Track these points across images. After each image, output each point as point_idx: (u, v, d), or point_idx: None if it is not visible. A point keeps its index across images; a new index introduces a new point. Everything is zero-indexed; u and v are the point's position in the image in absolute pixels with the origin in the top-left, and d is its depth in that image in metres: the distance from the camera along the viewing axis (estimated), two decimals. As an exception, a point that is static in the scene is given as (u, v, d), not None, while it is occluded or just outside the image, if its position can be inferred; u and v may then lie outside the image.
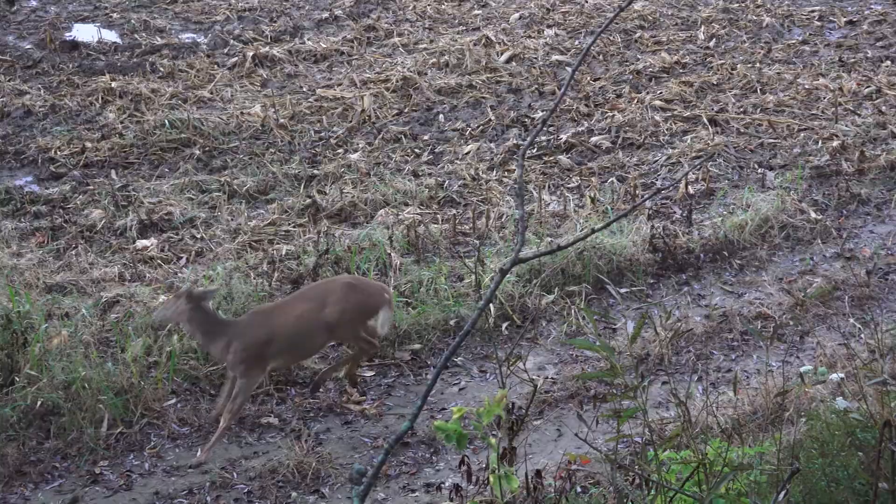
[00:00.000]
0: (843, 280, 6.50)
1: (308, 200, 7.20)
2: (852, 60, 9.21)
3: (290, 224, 6.94)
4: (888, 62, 9.09)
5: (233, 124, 8.24)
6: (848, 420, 3.64)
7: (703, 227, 7.00)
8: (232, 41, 9.92)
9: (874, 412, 3.58)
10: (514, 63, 9.50)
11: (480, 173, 7.65)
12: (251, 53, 9.48)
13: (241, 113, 8.39)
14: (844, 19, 9.95)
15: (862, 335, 5.93)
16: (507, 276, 6.02)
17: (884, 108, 8.32)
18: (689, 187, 7.37)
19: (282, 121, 8.27)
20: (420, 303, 6.14)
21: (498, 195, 7.40)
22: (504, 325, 6.00)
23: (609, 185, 7.47)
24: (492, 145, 8.09)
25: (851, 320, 6.09)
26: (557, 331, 6.23)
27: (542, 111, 8.43)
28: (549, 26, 10.20)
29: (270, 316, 5.35)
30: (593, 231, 3.59)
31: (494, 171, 7.72)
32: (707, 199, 7.40)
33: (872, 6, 10.10)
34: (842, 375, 4.54)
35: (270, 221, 6.95)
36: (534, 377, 4.95)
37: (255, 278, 6.19)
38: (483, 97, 8.86)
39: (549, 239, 6.74)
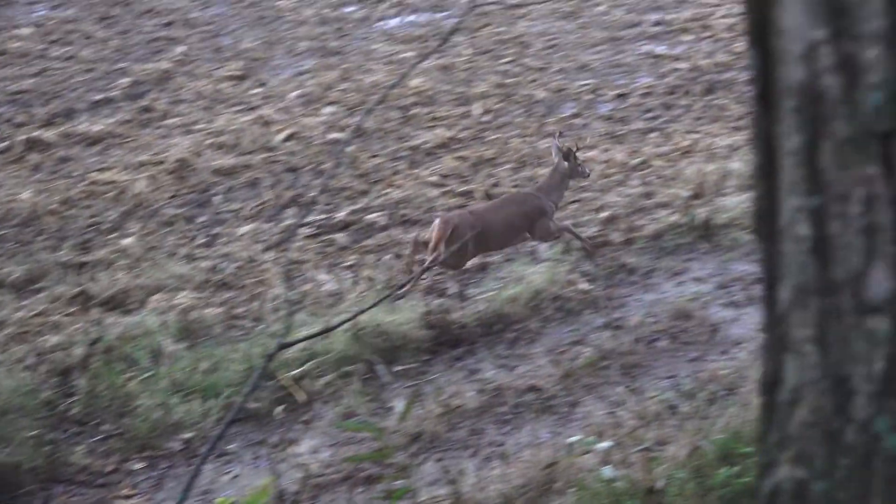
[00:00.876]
0: (612, 349, 6.98)
1: (78, 289, 7.35)
2: (621, 132, 9.83)
3: (59, 314, 7.09)
4: (655, 133, 9.77)
5: (0, 212, 8.40)
6: (613, 489, 4.07)
7: (478, 301, 7.42)
8: (2, 125, 10.04)
9: (639, 479, 4.04)
10: (292, 142, 9.81)
11: (256, 255, 7.95)
12: (22, 138, 9.58)
13: (10, 200, 8.52)
14: (614, 92, 10.54)
15: (629, 403, 6.49)
16: (281, 358, 6.41)
17: (651, 179, 8.92)
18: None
19: (52, 206, 8.40)
20: (194, 389, 6.37)
21: (274, 277, 7.66)
22: (279, 409, 6.26)
23: (385, 262, 7.91)
24: (269, 226, 8.39)
25: (619, 388, 6.58)
26: (333, 412, 6.51)
27: (320, 190, 8.80)
28: (327, 104, 10.54)
29: None
30: (360, 312, 4.01)
31: (270, 252, 8.02)
32: (481, 274, 7.84)
33: (640, 79, 10.79)
34: (609, 444, 4.87)
35: (38, 312, 7.18)
36: (308, 461, 5.29)
37: (21, 372, 6.31)
38: (260, 177, 9.16)
39: (326, 319, 7.09)
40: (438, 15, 11.96)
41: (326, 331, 4.08)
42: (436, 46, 4.54)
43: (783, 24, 1.02)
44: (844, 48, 0.97)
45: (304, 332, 6.28)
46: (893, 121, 0.96)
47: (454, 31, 5.95)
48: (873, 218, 0.98)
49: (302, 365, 6.70)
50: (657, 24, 11.70)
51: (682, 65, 10.86)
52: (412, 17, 12.12)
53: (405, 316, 7.15)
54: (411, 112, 10.20)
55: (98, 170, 9.27)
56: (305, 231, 8.29)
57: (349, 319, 6.38)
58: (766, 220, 1.09)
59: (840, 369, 1.04)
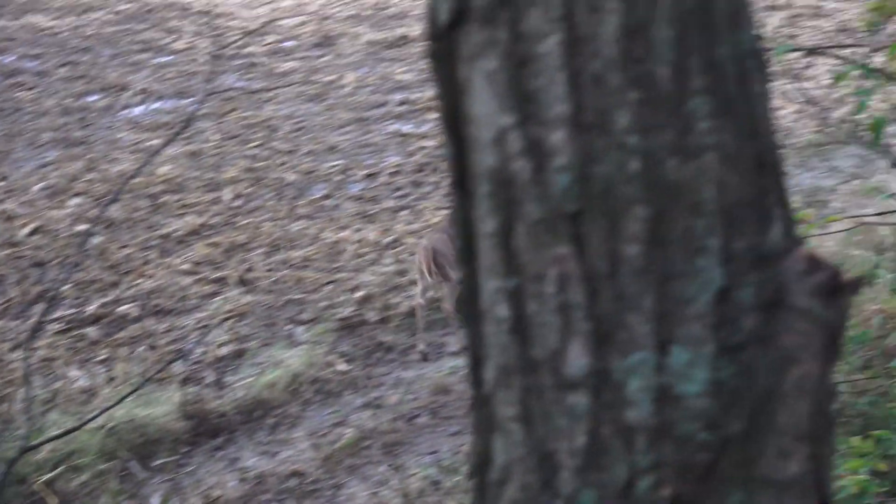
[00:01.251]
0: (373, 428, 7.05)
1: None
2: (372, 212, 9.89)
3: None
4: (406, 211, 9.87)
5: None
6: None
7: (236, 388, 7.32)
8: None
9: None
10: (37, 235, 9.52)
11: (3, 354, 7.69)
12: None
13: None
14: (363, 172, 10.63)
15: (392, 481, 6.53)
16: (32, 460, 6.18)
17: (403, 257, 9.07)
18: (220, 349, 7.80)
19: None
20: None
21: (23, 376, 7.46)
22: (31, 514, 5.93)
23: (139, 354, 7.76)
24: (16, 324, 8.10)
25: (382, 468, 6.64)
26: (90, 513, 6.34)
27: (61, 283, 8.57)
28: (73, 196, 10.29)
29: None
30: (110, 407, 3.90)
31: (19, 351, 7.77)
32: (238, 360, 7.77)
33: (388, 158, 10.91)
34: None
35: None
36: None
37: None
38: (4, 273, 8.84)
39: (78, 416, 6.89)
40: (184, 101, 11.89)
41: (72, 430, 3.96)
42: (174, 134, 4.48)
43: (473, 112, 1.04)
44: (532, 133, 1.00)
45: (54, 432, 6.13)
46: (581, 201, 0.99)
47: (191, 119, 5.90)
48: (567, 297, 1.01)
49: (55, 467, 6.50)
50: (402, 103, 11.92)
51: (429, 143, 11.06)
52: (157, 105, 12.01)
53: (162, 408, 6.99)
54: (160, 200, 10.06)
55: None
56: (55, 327, 8.02)
57: (98, 415, 6.21)
58: (469, 302, 1.11)
59: (545, 446, 1.06)
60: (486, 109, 1.05)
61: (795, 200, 8.55)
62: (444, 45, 1.09)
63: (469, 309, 1.13)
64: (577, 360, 1.05)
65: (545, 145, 1.03)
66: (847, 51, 7.09)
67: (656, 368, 1.04)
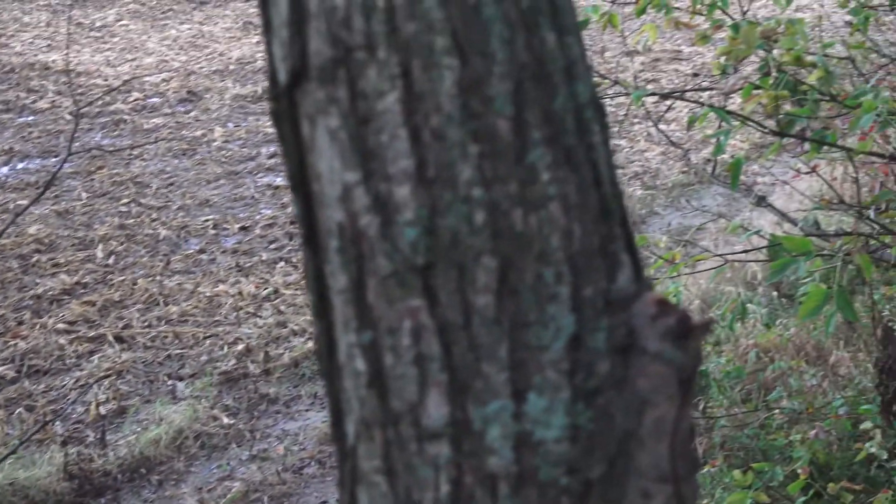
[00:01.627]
0: (260, 481, 7.01)
1: None
2: (249, 264, 9.87)
3: None
4: (282, 263, 9.87)
5: None
6: None
7: (119, 447, 7.23)
8: None
9: None
10: None
11: None
12: None
13: None
14: (238, 225, 10.61)
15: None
16: None
17: (282, 308, 9.08)
18: (101, 408, 7.68)
19: None
20: None
21: None
22: None
23: (17, 416, 7.59)
24: None
25: None
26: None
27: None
28: None
29: None
30: None
31: None
32: (120, 418, 7.68)
33: (262, 211, 10.94)
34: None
35: None
36: None
37: None
38: None
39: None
40: (51, 160, 11.72)
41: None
42: (39, 193, 4.44)
43: (319, 169, 1.05)
44: (377, 189, 1.01)
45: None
46: (430, 254, 1.00)
47: (55, 177, 5.82)
48: (423, 349, 1.02)
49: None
50: (272, 156, 11.95)
51: (302, 194, 11.08)
52: (22, 165, 11.82)
53: (44, 470, 6.88)
54: (32, 260, 9.91)
55: None
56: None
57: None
58: (326, 358, 1.11)
59: (409, 497, 1.06)
60: (331, 166, 1.06)
61: (665, 240, 8.73)
62: (285, 105, 1.10)
63: (326, 364, 1.13)
64: (437, 410, 1.05)
65: (391, 200, 1.03)
66: (705, 94, 7.29)
67: (514, 416, 1.05)
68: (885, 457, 5.40)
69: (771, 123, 3.63)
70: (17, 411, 7.68)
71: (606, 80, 4.21)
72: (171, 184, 11.39)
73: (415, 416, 1.06)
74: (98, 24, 17.49)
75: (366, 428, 1.09)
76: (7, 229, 6.28)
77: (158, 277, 9.58)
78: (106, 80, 14.42)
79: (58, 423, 7.38)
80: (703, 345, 1.05)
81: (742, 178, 10.57)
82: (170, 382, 8.07)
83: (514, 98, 1.05)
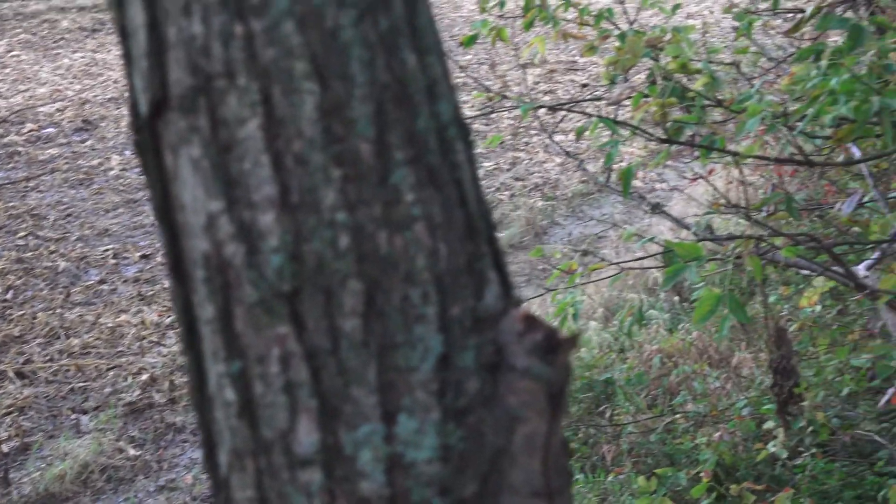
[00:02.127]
0: None
1: None
2: (151, 293, 9.75)
3: None
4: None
5: None
6: None
7: (23, 484, 7.10)
8: None
9: None
10: None
11: None
12: None
13: None
14: (138, 254, 10.46)
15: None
16: None
17: (186, 334, 8.98)
18: (3, 446, 7.54)
19: None
20: None
21: None
22: None
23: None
24: None
25: None
26: None
27: None
28: None
29: None
30: None
31: None
32: (23, 455, 7.54)
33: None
34: None
35: None
36: None
37: None
38: None
39: None
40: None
41: None
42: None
43: (183, 199, 1.04)
44: (241, 217, 1.00)
45: None
46: (296, 280, 1.00)
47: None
48: (291, 375, 1.01)
49: None
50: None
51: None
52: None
53: (-55, 516, 6.78)
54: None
55: None
56: None
57: None
58: (196, 389, 1.10)
59: (284, 526, 1.05)
60: (195, 196, 1.05)
61: (567, 249, 8.79)
62: (147, 136, 1.09)
63: (198, 396, 1.12)
64: (307, 437, 1.05)
65: (255, 228, 1.03)
66: (598, 103, 7.35)
67: (385, 438, 1.05)
68: (785, 455, 5.48)
69: (661, 131, 3.67)
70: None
71: (497, 95, 4.23)
72: (69, 215, 11.23)
73: (286, 443, 1.05)
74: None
75: (238, 458, 1.08)
76: None
77: (59, 310, 9.44)
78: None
79: (-40, 462, 7.23)
80: (572, 359, 1.05)
81: (641, 184, 10.70)
82: (73, 416, 7.95)
83: (375, 120, 1.05)
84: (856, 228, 4.61)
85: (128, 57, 1.10)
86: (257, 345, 1.05)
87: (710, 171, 7.58)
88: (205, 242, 1.06)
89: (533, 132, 11.98)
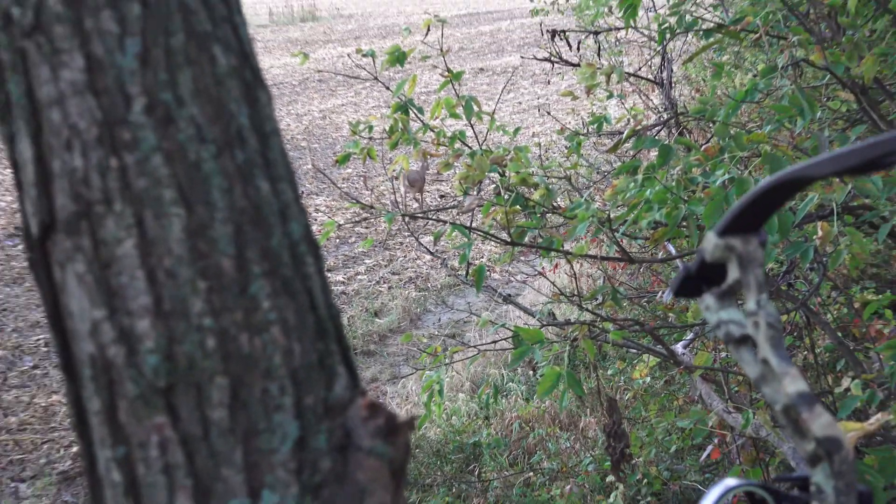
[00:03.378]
0: None
1: None
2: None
3: None
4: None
5: None
6: None
7: (-36, 549, 6.91)
8: None
9: None
10: None
11: None
12: None
13: None
14: (55, 344, 10.29)
15: None
16: None
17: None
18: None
19: None
20: None
21: None
22: None
23: None
24: None
25: None
26: None
27: None
28: None
29: None
30: None
31: None
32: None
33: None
34: None
35: None
36: None
37: None
38: None
39: None
40: None
41: None
42: None
43: (71, 308, 1.02)
44: (121, 323, 0.99)
45: None
46: (170, 377, 0.99)
47: None
48: (169, 459, 1.00)
49: None
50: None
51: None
52: None
53: None
54: None
55: None
56: None
57: None
58: (88, 472, 1.07)
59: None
60: (81, 306, 1.03)
61: (437, 334, 8.77)
62: (38, 254, 1.07)
63: (89, 477, 1.09)
64: (181, 512, 1.02)
65: (134, 333, 1.02)
66: (453, 210, 7.43)
67: (250, 512, 1.03)
68: (622, 505, 5.52)
69: (506, 235, 3.72)
70: None
71: (367, 206, 4.25)
72: (5, 309, 10.92)
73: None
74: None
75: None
76: None
77: (-2, 388, 9.16)
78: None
79: None
80: (410, 438, 1.05)
81: (500, 277, 10.73)
82: (13, 484, 7.70)
83: (235, 239, 1.05)
84: (672, 314, 4.71)
85: (19, 185, 1.09)
86: (138, 433, 1.03)
87: (556, 266, 7.68)
88: (90, 345, 1.04)
89: (406, 234, 12.04)
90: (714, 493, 1.04)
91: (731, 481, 1.05)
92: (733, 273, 0.99)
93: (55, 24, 1.05)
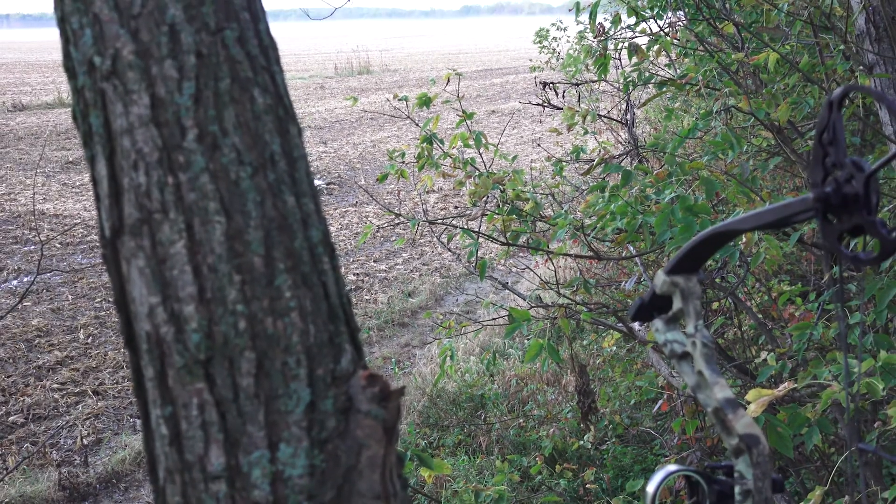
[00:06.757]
0: None
1: None
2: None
3: None
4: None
5: None
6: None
7: (97, 465, 6.75)
8: None
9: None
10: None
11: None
12: None
13: None
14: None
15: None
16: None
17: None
18: (84, 440, 7.23)
19: None
20: None
21: None
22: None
23: (25, 449, 7.08)
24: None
25: None
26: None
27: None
28: None
29: None
30: None
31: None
32: (97, 446, 7.18)
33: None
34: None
35: None
36: None
37: None
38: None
39: (-25, 502, 6.24)
40: (46, 275, 11.16)
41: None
42: (20, 298, 4.21)
43: (133, 295, 0.97)
44: (172, 308, 0.94)
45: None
46: (209, 352, 0.94)
47: (28, 290, 5.54)
48: (205, 417, 0.95)
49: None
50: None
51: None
52: (28, 278, 11.21)
53: (44, 485, 6.46)
54: (34, 342, 9.38)
55: None
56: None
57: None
58: (144, 426, 1.03)
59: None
60: (141, 293, 0.98)
61: (453, 313, 8.67)
62: (110, 251, 1.02)
63: (144, 430, 1.05)
64: (217, 460, 0.97)
65: (182, 315, 0.97)
66: (463, 218, 7.36)
67: (270, 461, 0.98)
68: (588, 446, 5.45)
69: (504, 237, 3.66)
70: (24, 445, 7.16)
71: (398, 214, 4.21)
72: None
73: (202, 464, 0.98)
74: (78, 183, 16.81)
75: (170, 474, 1.01)
76: (4, 318, 5.94)
77: (123, 350, 9.15)
78: (83, 219, 13.85)
79: (53, 452, 6.93)
80: (401, 403, 1.00)
81: (503, 268, 10.62)
82: (132, 420, 7.69)
83: (265, 242, 1.00)
84: (631, 300, 4.62)
85: (97, 197, 1.04)
86: (182, 395, 0.99)
87: (547, 261, 7.60)
88: (147, 324, 0.99)
89: (431, 235, 12.01)
90: (657, 476, 1.00)
91: (671, 467, 1.01)
92: (677, 303, 0.98)
93: (128, 71, 1.01)
